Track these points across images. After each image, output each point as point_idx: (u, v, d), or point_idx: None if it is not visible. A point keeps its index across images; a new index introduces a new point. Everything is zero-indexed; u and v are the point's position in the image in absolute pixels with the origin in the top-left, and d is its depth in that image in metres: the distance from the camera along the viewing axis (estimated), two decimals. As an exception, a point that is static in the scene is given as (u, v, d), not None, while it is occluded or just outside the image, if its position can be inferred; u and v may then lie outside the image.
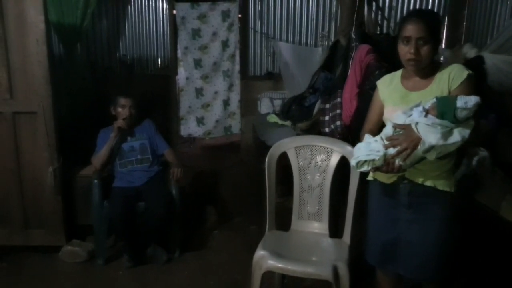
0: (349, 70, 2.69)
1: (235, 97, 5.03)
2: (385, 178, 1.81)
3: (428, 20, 1.66)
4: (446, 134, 1.55)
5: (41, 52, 2.75)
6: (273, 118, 3.81)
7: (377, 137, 1.70)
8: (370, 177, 1.90)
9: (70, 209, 3.13)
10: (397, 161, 1.62)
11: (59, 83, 3.06)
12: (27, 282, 2.77)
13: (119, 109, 3.07)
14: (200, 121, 5.10)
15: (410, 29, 1.65)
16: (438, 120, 1.55)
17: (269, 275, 2.23)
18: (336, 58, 3.01)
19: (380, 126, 1.83)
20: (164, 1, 4.89)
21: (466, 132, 1.55)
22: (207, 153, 6.11)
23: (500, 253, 2.37)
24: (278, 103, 4.61)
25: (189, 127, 5.14)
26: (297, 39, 4.99)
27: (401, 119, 1.66)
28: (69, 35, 3.91)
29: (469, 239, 2.28)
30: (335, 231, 2.38)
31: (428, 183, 1.72)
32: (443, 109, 1.55)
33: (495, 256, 2.41)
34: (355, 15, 2.76)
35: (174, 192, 3.04)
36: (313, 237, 2.35)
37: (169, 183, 3.10)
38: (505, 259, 2.32)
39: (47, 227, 3.02)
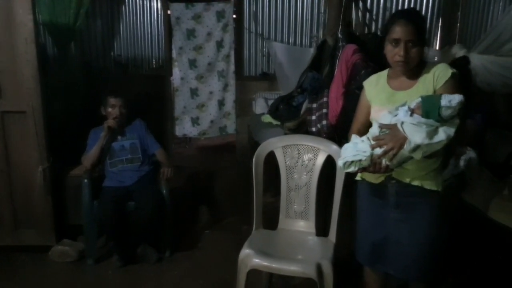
0: (336, 70, 2.69)
1: (230, 97, 5.04)
2: (373, 178, 1.81)
3: (416, 22, 1.66)
4: (431, 133, 1.55)
5: (30, 51, 2.75)
6: (267, 118, 3.80)
7: (364, 138, 1.70)
8: (358, 177, 1.90)
9: (61, 209, 3.13)
10: (384, 161, 1.62)
11: (51, 83, 3.06)
12: (17, 282, 2.76)
13: (109, 109, 3.07)
14: (195, 121, 5.11)
15: (399, 32, 1.65)
16: (423, 119, 1.55)
17: (257, 274, 2.23)
18: (323, 58, 3.01)
19: (368, 126, 1.82)
20: (159, 1, 4.89)
21: (451, 130, 1.55)
22: (202, 153, 6.13)
23: (489, 253, 2.37)
24: (272, 103, 4.60)
25: (184, 127, 5.15)
26: (291, 39, 4.98)
27: (387, 119, 1.66)
28: (62, 35, 3.91)
29: (458, 239, 2.28)
30: (322, 229, 2.38)
31: (416, 182, 1.72)
32: (428, 108, 1.55)
33: (483, 256, 2.41)
34: (341, 15, 2.77)
35: (164, 191, 3.04)
36: (299, 235, 2.36)
37: (159, 183, 3.10)
38: (493, 259, 2.33)
39: (37, 227, 3.03)
